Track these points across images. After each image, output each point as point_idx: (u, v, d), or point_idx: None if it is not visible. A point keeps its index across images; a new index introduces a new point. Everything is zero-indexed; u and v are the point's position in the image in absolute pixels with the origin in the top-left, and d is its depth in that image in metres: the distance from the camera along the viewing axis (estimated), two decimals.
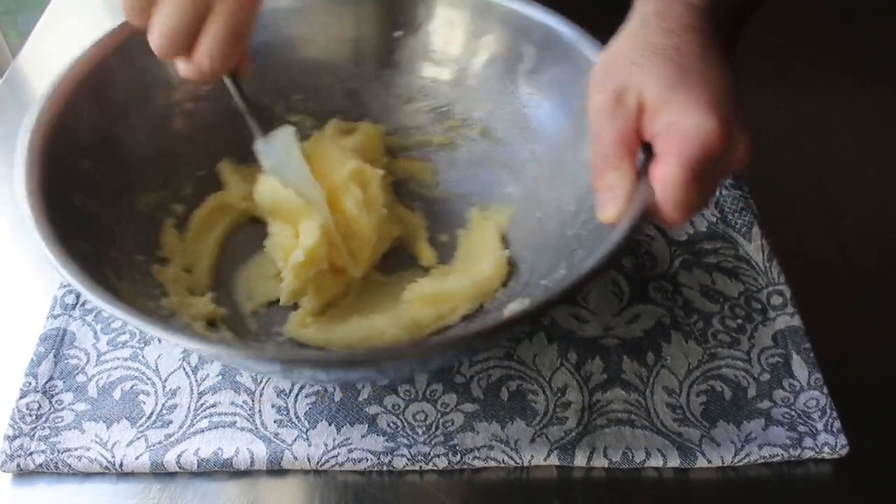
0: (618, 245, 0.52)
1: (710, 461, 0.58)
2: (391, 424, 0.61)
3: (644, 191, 0.53)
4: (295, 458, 0.59)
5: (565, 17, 0.69)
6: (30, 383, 0.63)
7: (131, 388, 0.63)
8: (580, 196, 0.63)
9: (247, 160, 0.73)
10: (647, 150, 0.54)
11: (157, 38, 0.57)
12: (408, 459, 0.59)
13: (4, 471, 0.59)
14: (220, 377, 0.64)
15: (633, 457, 0.59)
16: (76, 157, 0.62)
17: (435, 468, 0.59)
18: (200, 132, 0.72)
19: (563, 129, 0.68)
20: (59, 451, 0.59)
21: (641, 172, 0.54)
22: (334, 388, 0.63)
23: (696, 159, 0.50)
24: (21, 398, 0.62)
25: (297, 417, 0.61)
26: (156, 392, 0.63)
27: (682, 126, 0.51)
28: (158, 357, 0.65)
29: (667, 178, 0.51)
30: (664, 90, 0.52)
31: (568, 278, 0.55)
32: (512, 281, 0.67)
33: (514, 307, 0.62)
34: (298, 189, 0.66)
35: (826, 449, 0.58)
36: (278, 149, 0.65)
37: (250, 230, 0.72)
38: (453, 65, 0.75)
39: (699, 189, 0.51)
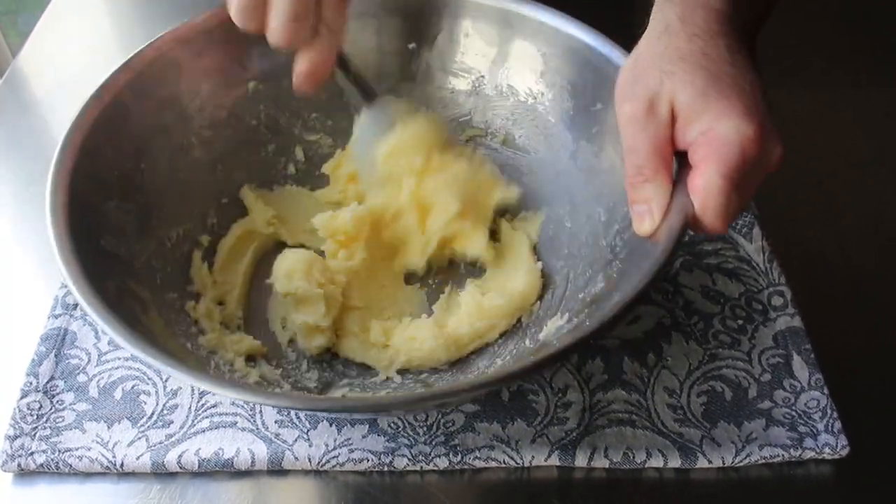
0: (662, 263, 0.52)
1: (710, 461, 0.58)
2: (392, 425, 0.61)
3: (682, 202, 0.52)
4: (296, 458, 0.59)
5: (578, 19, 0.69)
6: (31, 383, 0.63)
7: (132, 388, 0.63)
8: (611, 205, 0.63)
9: (268, 184, 0.74)
10: (681, 158, 0.53)
11: (280, 30, 0.59)
12: (409, 459, 0.59)
13: (5, 470, 0.59)
14: None
15: (633, 457, 0.59)
16: (101, 200, 0.61)
17: (436, 468, 0.59)
18: (219, 160, 0.71)
19: (590, 135, 0.68)
20: (59, 451, 0.59)
21: (677, 182, 0.53)
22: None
23: (736, 167, 0.49)
24: (22, 398, 0.62)
25: (298, 418, 0.61)
26: (157, 392, 0.63)
27: (718, 133, 0.50)
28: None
29: (707, 188, 0.50)
30: (697, 97, 0.51)
31: (610, 297, 0.55)
32: (547, 294, 0.67)
33: (555, 324, 0.62)
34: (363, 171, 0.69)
35: (827, 449, 0.58)
36: (372, 124, 0.69)
37: (278, 255, 0.70)
38: (471, 74, 0.75)
39: (739, 196, 0.50)
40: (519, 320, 0.67)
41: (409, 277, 0.71)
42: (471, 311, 0.65)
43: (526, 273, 0.68)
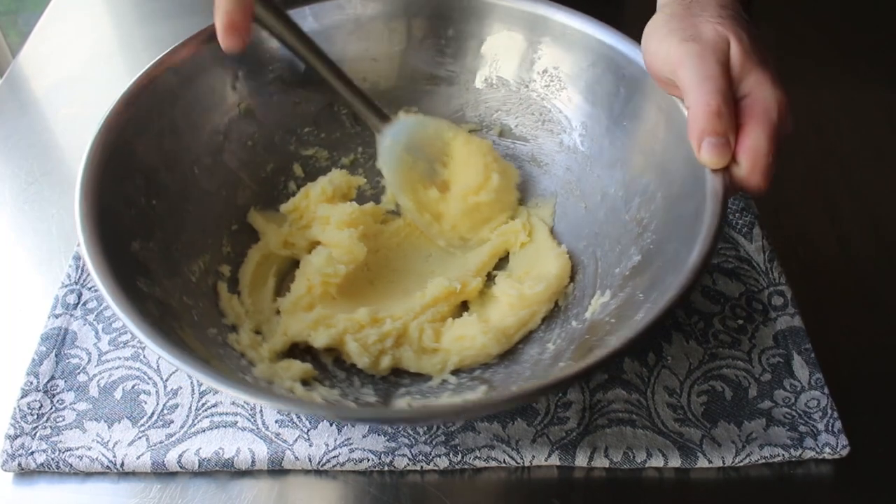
0: (717, 228, 0.53)
1: (710, 461, 0.58)
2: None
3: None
4: (296, 458, 0.59)
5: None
6: (31, 382, 0.63)
7: (132, 387, 0.63)
8: (626, 179, 0.64)
9: (272, 204, 0.73)
10: None
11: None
12: (409, 459, 0.59)
13: (5, 470, 0.59)
14: None
15: (633, 457, 0.59)
16: (126, 241, 0.60)
17: (436, 468, 0.59)
18: (222, 185, 0.71)
19: (589, 113, 0.69)
20: (60, 451, 0.59)
21: None
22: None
23: (776, 130, 0.53)
24: (22, 397, 0.62)
25: (299, 417, 0.61)
26: (157, 392, 0.63)
27: (760, 97, 0.54)
28: (160, 357, 0.64)
29: (757, 148, 0.53)
30: (745, 56, 0.55)
31: (649, 266, 0.56)
32: (578, 274, 0.68)
33: (599, 301, 0.62)
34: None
35: (827, 449, 0.58)
36: (391, 142, 0.72)
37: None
38: (459, 70, 0.75)
39: (776, 157, 0.54)
40: (556, 304, 0.67)
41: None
42: (513, 301, 0.65)
43: (555, 257, 0.68)
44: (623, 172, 0.65)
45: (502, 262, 0.72)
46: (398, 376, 0.64)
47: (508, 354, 0.65)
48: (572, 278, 0.67)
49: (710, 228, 0.53)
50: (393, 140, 0.72)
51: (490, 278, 0.70)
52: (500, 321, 0.65)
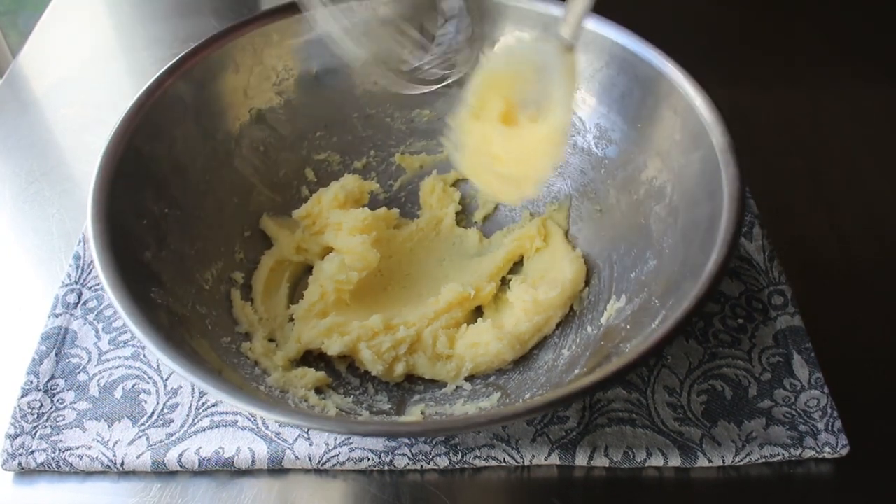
0: (734, 234, 0.53)
1: (710, 461, 0.58)
2: None
3: None
4: (296, 457, 0.59)
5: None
6: (31, 382, 0.63)
7: (133, 386, 0.63)
8: (643, 183, 0.64)
9: (285, 210, 0.73)
10: None
11: None
12: (409, 459, 0.59)
13: (6, 469, 0.59)
14: None
15: (633, 456, 0.59)
16: (139, 252, 0.60)
17: (436, 467, 0.59)
18: (234, 192, 0.70)
19: (606, 117, 0.69)
20: (60, 450, 0.59)
21: None
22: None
23: None
24: (22, 397, 0.62)
25: None
26: (157, 391, 0.63)
27: None
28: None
29: None
30: None
31: (662, 271, 0.56)
32: (593, 279, 0.67)
33: (615, 307, 0.62)
34: None
35: (827, 449, 0.58)
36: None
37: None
38: (471, 72, 0.75)
39: None
40: (570, 308, 0.67)
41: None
42: (527, 307, 0.65)
43: (570, 261, 0.68)
44: (638, 175, 0.65)
45: (517, 266, 0.72)
46: (412, 383, 0.65)
47: (523, 360, 0.65)
48: (587, 283, 0.67)
49: (727, 234, 0.53)
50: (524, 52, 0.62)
51: (504, 283, 0.70)
52: (515, 327, 0.64)
